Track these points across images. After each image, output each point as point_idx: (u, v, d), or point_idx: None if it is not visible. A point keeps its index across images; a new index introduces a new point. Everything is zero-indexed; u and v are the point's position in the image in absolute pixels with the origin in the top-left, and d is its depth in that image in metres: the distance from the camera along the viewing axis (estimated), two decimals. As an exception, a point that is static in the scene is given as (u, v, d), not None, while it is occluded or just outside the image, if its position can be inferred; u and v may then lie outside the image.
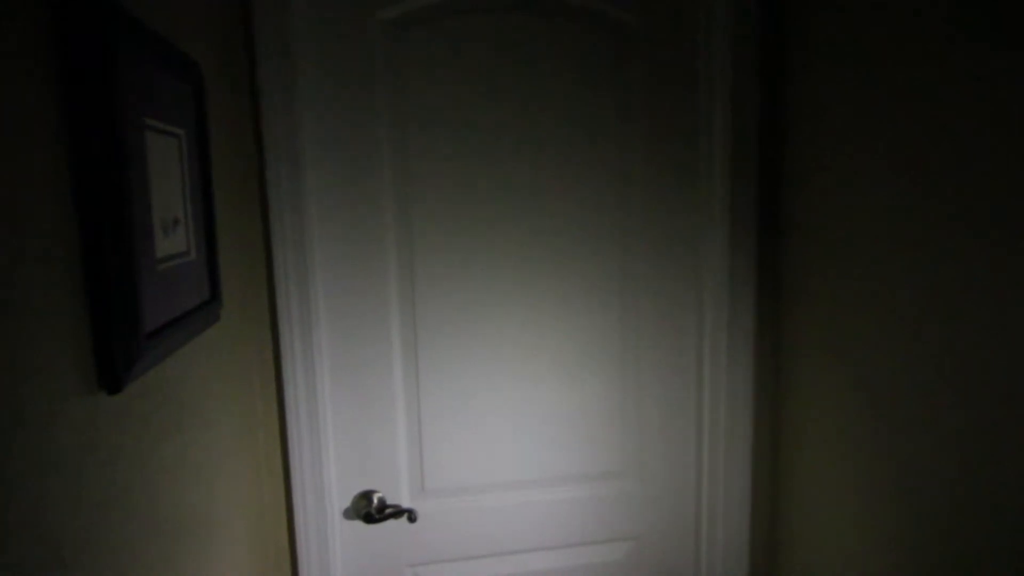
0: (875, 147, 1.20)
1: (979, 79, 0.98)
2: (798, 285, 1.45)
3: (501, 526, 1.55)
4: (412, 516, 1.47)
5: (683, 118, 1.50)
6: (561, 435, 1.56)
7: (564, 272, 1.51)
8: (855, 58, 1.24)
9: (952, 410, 1.05)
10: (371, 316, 1.45)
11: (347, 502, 1.49)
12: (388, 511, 1.48)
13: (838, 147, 1.30)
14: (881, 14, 1.17)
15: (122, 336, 0.65)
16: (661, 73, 1.48)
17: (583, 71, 1.45)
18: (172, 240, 0.83)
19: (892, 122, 1.16)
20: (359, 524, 1.50)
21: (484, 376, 1.51)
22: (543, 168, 1.46)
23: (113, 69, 0.63)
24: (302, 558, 1.44)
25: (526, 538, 1.57)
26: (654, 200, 1.52)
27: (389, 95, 1.39)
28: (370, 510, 1.47)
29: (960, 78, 1.01)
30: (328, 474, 1.44)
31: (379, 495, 1.49)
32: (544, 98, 1.44)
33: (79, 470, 0.60)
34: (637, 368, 1.57)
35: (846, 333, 1.30)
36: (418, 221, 1.44)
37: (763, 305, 1.55)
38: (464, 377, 1.50)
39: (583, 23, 1.44)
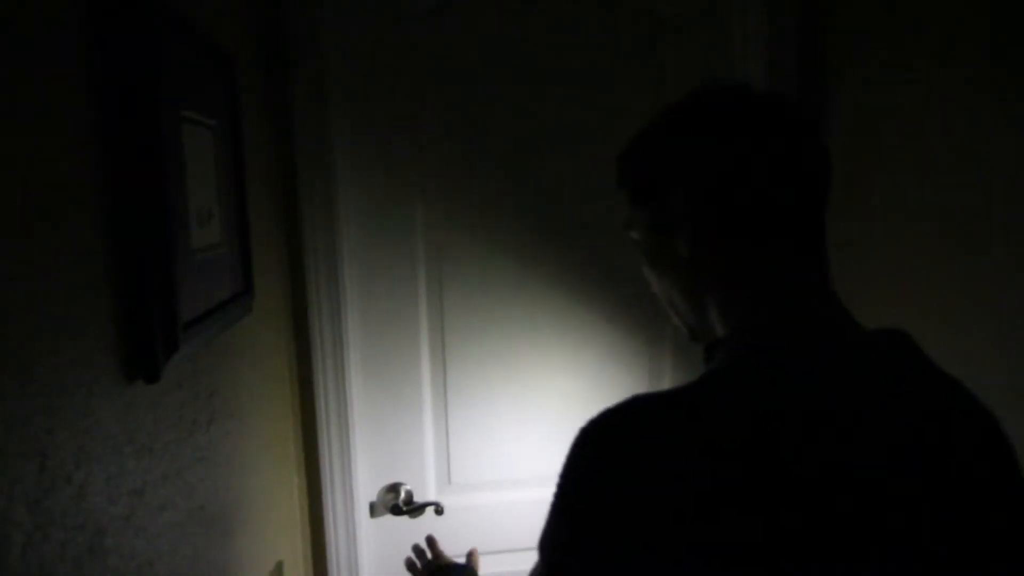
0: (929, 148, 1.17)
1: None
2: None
3: (527, 521, 1.54)
4: (439, 509, 1.47)
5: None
6: (588, 430, 1.55)
7: (594, 268, 1.49)
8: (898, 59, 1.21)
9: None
10: (400, 310, 1.45)
11: (375, 494, 1.50)
12: (415, 503, 1.48)
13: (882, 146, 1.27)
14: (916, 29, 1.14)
15: (160, 326, 0.65)
16: (694, 69, 1.45)
17: (615, 63, 1.43)
18: (207, 232, 0.83)
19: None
20: (386, 516, 1.50)
21: (511, 371, 1.50)
22: (570, 161, 1.45)
23: (154, 61, 0.63)
24: (330, 548, 1.45)
25: (552, 533, 1.56)
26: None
27: (418, 83, 1.39)
28: (397, 502, 1.47)
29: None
30: (356, 466, 1.45)
31: (406, 488, 1.50)
32: (571, 87, 1.43)
33: (118, 458, 0.61)
34: (666, 365, 1.55)
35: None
36: (447, 216, 1.44)
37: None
38: (491, 372, 1.50)
39: (616, 14, 1.41)
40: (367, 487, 1.49)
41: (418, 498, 1.50)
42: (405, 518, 1.50)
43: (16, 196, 0.47)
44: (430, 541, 1.22)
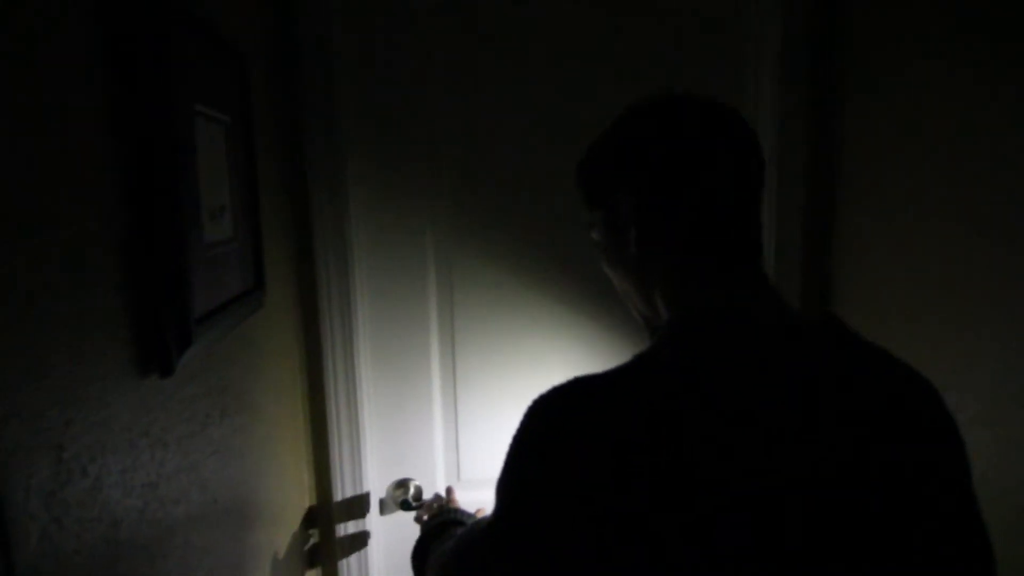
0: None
1: None
2: (847, 254, 1.42)
3: (536, 517, 1.54)
4: (448, 505, 1.47)
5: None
6: (598, 427, 1.54)
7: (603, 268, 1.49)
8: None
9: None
10: (409, 306, 1.45)
11: (384, 489, 1.51)
12: (424, 499, 1.48)
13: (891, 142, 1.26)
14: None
15: (174, 320, 0.65)
16: (699, 70, 1.44)
17: (620, 65, 1.42)
18: (218, 227, 0.83)
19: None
20: (396, 512, 1.51)
21: (521, 367, 1.50)
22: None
23: (166, 54, 0.63)
24: (340, 544, 1.46)
25: (561, 529, 1.56)
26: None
27: (427, 79, 1.39)
28: (407, 498, 1.47)
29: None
30: (366, 462, 1.45)
31: (416, 483, 1.50)
32: (575, 90, 1.42)
33: (133, 451, 0.61)
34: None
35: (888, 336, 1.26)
36: (458, 214, 1.43)
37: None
38: (501, 368, 1.49)
39: (619, 13, 1.41)
40: (377, 482, 1.50)
41: (428, 494, 1.50)
42: (414, 514, 1.50)
43: (31, 193, 0.48)
44: (448, 491, 1.30)
